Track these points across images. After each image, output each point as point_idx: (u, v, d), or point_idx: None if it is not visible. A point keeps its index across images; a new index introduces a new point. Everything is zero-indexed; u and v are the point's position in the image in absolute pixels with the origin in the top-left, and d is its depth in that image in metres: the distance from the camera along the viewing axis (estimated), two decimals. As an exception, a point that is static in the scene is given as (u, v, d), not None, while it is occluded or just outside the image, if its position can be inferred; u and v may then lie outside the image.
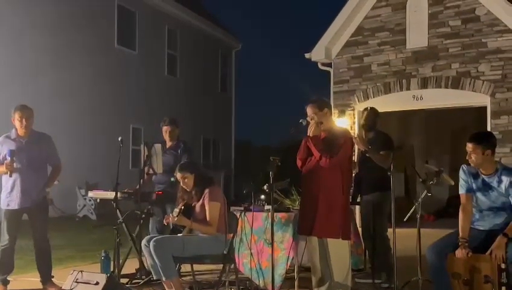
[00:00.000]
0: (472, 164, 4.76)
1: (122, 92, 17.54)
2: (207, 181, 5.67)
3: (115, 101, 17.26)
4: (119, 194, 6.22)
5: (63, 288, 5.48)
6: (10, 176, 5.88)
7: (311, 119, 5.27)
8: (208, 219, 5.45)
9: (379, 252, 6.39)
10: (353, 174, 6.53)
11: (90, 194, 7.24)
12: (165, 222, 5.59)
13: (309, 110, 5.32)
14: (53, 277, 6.23)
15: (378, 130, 6.65)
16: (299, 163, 5.41)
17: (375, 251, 6.55)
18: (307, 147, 5.30)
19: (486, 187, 4.76)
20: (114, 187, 6.11)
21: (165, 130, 6.97)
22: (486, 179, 4.75)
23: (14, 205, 5.96)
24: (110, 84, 17.10)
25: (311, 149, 5.24)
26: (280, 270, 5.71)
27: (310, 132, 5.23)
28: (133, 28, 18.30)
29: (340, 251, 5.21)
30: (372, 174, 6.32)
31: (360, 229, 6.83)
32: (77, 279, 5.33)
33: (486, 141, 4.74)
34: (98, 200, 8.25)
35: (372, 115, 6.73)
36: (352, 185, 6.55)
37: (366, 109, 6.88)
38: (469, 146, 4.72)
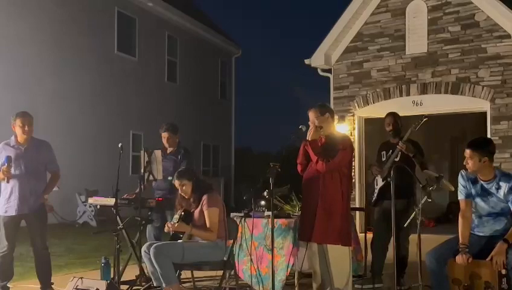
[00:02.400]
0: (469, 170, 4.77)
1: (122, 98, 17.55)
2: (205, 187, 5.67)
3: (115, 107, 17.27)
4: (119, 201, 6.22)
5: (62, 295, 5.48)
6: (7, 182, 5.89)
7: (311, 123, 5.28)
8: (207, 225, 5.44)
9: (404, 256, 6.33)
10: (381, 180, 6.49)
11: (90, 200, 7.23)
12: (165, 230, 5.59)
13: (311, 115, 5.33)
14: (53, 283, 6.22)
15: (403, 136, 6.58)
16: (299, 168, 5.43)
17: (383, 257, 6.51)
18: (306, 151, 5.30)
19: (485, 193, 4.75)
20: (114, 194, 6.10)
21: (163, 136, 6.99)
22: (485, 185, 4.75)
23: (12, 211, 5.95)
24: (110, 90, 17.12)
25: (309, 153, 5.24)
26: (280, 277, 5.71)
27: (309, 135, 5.24)
28: (133, 34, 18.32)
29: (340, 257, 5.21)
30: (399, 180, 6.22)
31: (360, 234, 6.82)
32: (77, 286, 5.33)
33: (483, 148, 4.74)
34: (98, 207, 8.24)
35: (397, 120, 6.68)
36: (377, 190, 6.53)
37: (389, 114, 6.81)
38: (467, 152, 4.73)
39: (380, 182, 6.54)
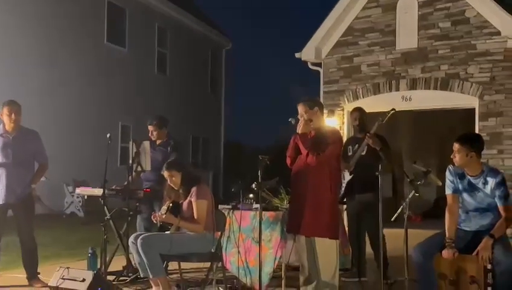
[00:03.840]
0: (455, 164, 4.81)
1: (111, 89, 17.48)
2: (194, 179, 5.67)
3: (104, 98, 17.20)
4: (106, 191, 6.20)
5: (49, 285, 5.45)
6: None
7: (301, 117, 5.29)
8: (195, 216, 5.44)
9: (377, 249, 6.41)
10: (348, 174, 6.55)
11: (78, 190, 7.21)
12: (153, 219, 5.58)
13: (300, 108, 5.35)
14: (39, 273, 6.20)
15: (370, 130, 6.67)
16: (288, 161, 5.42)
17: (362, 251, 6.61)
18: (296, 144, 5.31)
19: (472, 188, 4.79)
20: (102, 184, 6.09)
21: (149, 129, 6.99)
22: (472, 180, 4.78)
23: (-1, 200, 5.93)
24: (100, 81, 17.04)
25: (299, 146, 5.26)
26: (267, 269, 5.71)
27: (299, 129, 5.25)
28: (123, 25, 18.24)
29: (327, 250, 5.22)
30: (367, 174, 6.32)
31: (346, 229, 6.86)
32: (63, 276, 5.30)
33: (471, 143, 4.77)
34: (86, 197, 8.22)
35: (363, 115, 6.76)
36: (344, 184, 6.58)
37: (355, 109, 6.92)
38: (455, 146, 4.78)
39: (347, 177, 6.59)
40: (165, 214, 5.38)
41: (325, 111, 12.02)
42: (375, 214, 6.34)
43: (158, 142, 6.96)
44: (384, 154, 6.37)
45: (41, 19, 15.15)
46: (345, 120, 12.53)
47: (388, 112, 6.47)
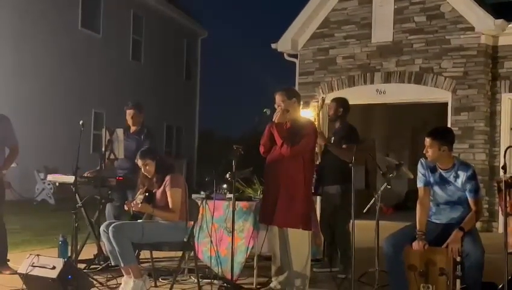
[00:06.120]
0: (428, 159, 4.85)
1: (85, 75, 17.27)
2: (168, 168, 5.64)
3: (78, 84, 16.99)
4: (78, 179, 6.13)
5: (18, 272, 5.38)
6: None
7: (278, 106, 5.29)
8: (170, 205, 5.42)
9: (340, 244, 6.46)
10: (316, 165, 6.59)
11: (49, 177, 7.13)
12: (126, 207, 5.54)
13: (277, 98, 5.35)
14: (9, 260, 6.13)
15: (346, 121, 6.70)
16: (261, 149, 5.42)
17: (333, 242, 6.66)
18: (270, 133, 5.31)
19: (443, 181, 4.84)
20: (73, 171, 6.02)
21: (128, 113, 6.89)
22: (444, 174, 4.84)
23: (-32, 186, 5.83)
24: (73, 66, 16.83)
25: (274, 136, 5.26)
26: (239, 259, 5.72)
27: (276, 118, 5.25)
28: (98, 10, 18.01)
29: (300, 240, 5.25)
30: (334, 165, 6.36)
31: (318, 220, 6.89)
32: (33, 263, 5.23)
33: (443, 137, 4.83)
34: (57, 184, 8.13)
35: (338, 105, 6.78)
36: (315, 175, 6.60)
37: (333, 99, 6.94)
38: (427, 141, 4.81)
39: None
40: (141, 203, 5.35)
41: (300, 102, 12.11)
42: (342, 209, 6.36)
43: (132, 130, 6.88)
44: (332, 149, 6.36)
45: (14, 3, 14.89)
46: (320, 112, 12.55)
47: (321, 99, 6.52)
